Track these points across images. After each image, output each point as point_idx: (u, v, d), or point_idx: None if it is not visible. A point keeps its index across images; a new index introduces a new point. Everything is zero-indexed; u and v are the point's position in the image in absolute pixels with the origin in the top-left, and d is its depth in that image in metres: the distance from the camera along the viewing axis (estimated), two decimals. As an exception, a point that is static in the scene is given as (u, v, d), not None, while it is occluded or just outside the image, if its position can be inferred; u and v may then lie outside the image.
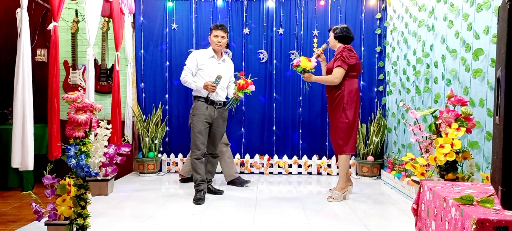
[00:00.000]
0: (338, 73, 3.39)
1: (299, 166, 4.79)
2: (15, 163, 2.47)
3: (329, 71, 3.48)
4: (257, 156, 4.76)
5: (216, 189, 3.71)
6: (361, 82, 4.72)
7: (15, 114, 2.48)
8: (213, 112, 3.47)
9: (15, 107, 2.48)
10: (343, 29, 3.52)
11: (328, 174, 4.76)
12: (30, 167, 2.52)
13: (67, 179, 2.17)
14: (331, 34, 3.56)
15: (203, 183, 3.45)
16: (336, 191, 3.50)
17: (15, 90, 2.48)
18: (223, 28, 3.46)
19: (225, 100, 3.53)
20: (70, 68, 4.51)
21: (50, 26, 2.83)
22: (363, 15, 4.73)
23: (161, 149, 4.77)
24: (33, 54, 4.27)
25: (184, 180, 4.27)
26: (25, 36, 2.52)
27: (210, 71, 3.43)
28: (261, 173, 4.75)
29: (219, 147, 3.83)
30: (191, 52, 4.76)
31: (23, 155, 2.49)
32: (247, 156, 4.77)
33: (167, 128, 4.83)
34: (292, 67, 3.78)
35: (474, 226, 1.22)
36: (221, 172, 4.30)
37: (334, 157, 4.77)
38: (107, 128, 2.23)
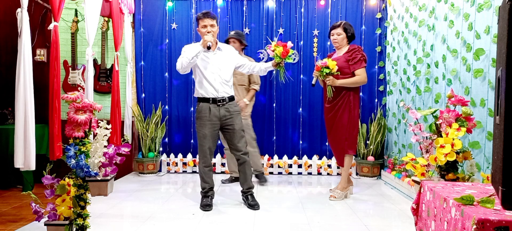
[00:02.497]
0: (365, 73, 3.38)
1: (299, 166, 4.78)
2: (18, 163, 2.46)
3: (342, 71, 3.34)
4: (257, 156, 4.76)
5: (253, 202, 3.22)
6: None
7: (17, 114, 2.47)
8: (218, 111, 3.11)
9: (17, 107, 2.47)
10: (351, 27, 3.49)
11: (328, 174, 4.76)
12: (32, 167, 2.52)
13: (66, 179, 2.17)
14: (341, 32, 3.42)
15: (211, 190, 3.20)
16: (338, 190, 3.51)
17: (17, 91, 2.48)
18: (209, 15, 3.04)
19: (231, 95, 3.20)
20: (70, 68, 4.51)
21: (51, 26, 2.82)
22: (363, 14, 4.73)
23: (161, 149, 4.76)
24: (33, 54, 4.26)
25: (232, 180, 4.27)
26: (26, 36, 2.52)
27: (204, 64, 3.12)
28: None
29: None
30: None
31: (25, 155, 2.49)
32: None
33: (167, 128, 4.82)
34: (315, 70, 3.36)
35: (475, 226, 1.22)
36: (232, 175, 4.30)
37: (334, 158, 4.76)
38: (106, 128, 2.23)
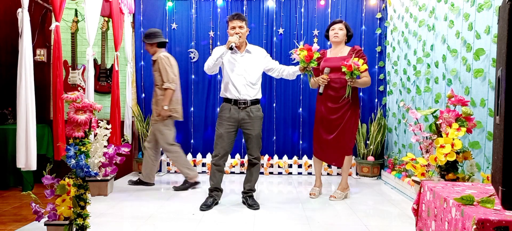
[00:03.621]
0: (369, 75, 3.39)
1: (299, 166, 4.78)
2: (20, 163, 2.47)
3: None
4: (257, 156, 4.76)
5: (253, 202, 3.21)
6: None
7: (19, 115, 2.47)
8: (237, 114, 3.10)
9: (19, 108, 2.47)
10: (351, 29, 3.49)
11: (328, 174, 4.76)
12: (33, 167, 2.52)
13: (66, 179, 2.17)
14: (344, 28, 3.40)
15: (215, 190, 3.20)
16: (338, 190, 3.52)
17: (18, 91, 2.48)
18: (239, 17, 3.07)
19: (255, 98, 3.16)
20: (70, 68, 4.51)
21: (52, 26, 2.83)
22: (363, 15, 4.73)
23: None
24: (33, 54, 4.28)
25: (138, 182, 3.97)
26: (27, 36, 2.52)
27: (231, 66, 3.11)
28: (261, 173, 4.74)
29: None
30: (191, 52, 4.78)
31: (27, 155, 2.49)
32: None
33: (167, 128, 4.81)
34: (347, 70, 3.17)
35: (475, 226, 1.22)
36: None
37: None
38: (106, 128, 2.23)
